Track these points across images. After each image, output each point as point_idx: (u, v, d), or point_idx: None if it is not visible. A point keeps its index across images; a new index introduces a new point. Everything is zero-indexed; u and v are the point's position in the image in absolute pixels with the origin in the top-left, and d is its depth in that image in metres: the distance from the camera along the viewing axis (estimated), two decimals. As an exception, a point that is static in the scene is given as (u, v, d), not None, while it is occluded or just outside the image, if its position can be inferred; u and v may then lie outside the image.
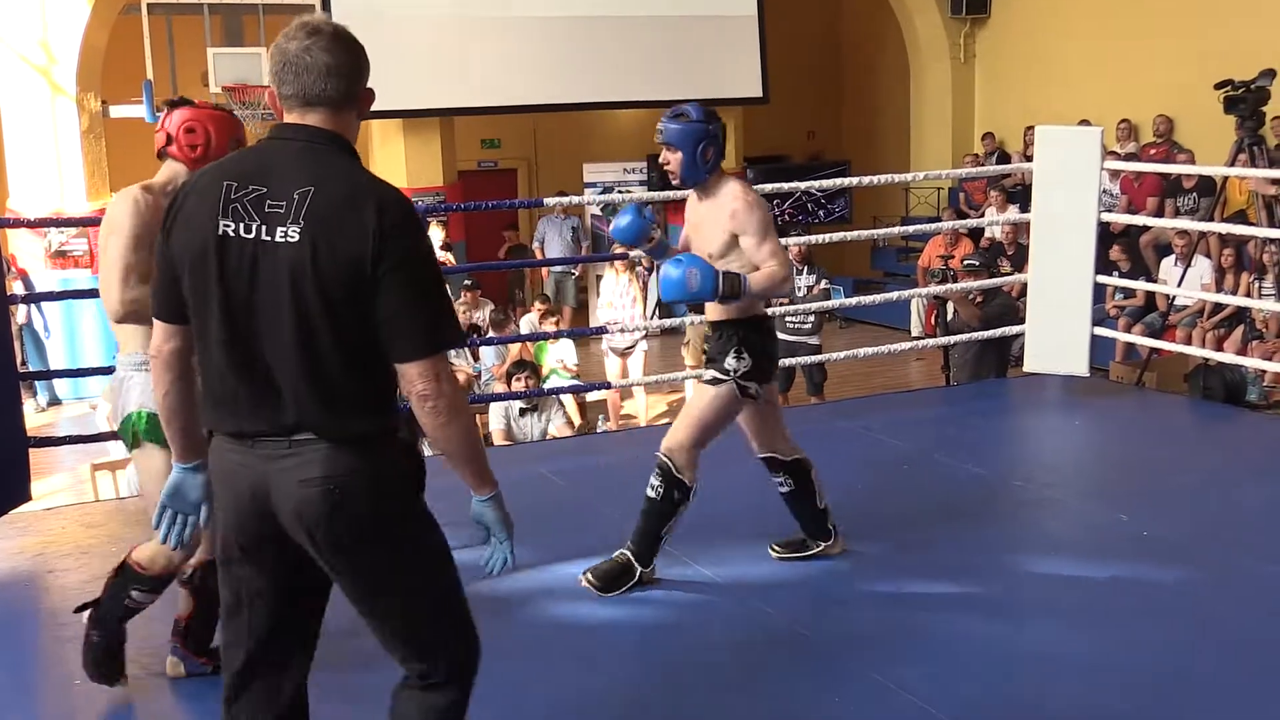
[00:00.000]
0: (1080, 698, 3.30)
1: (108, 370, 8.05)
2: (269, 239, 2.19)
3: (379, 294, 2.20)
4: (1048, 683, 3.40)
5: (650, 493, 3.97)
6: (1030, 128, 11.76)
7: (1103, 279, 7.17)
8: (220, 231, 2.22)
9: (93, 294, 10.98)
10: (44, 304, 11.47)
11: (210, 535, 3.35)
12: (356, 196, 2.21)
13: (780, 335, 8.92)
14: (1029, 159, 7.42)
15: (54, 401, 11.78)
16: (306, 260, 2.18)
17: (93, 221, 11.19)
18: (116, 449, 8.18)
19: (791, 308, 8.61)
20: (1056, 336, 6.79)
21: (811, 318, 9.14)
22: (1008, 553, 4.40)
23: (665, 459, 3.95)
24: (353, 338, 2.22)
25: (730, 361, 3.90)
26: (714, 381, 3.94)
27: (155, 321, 2.39)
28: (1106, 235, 8.89)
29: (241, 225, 2.21)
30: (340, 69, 2.31)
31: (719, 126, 3.89)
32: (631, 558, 4.01)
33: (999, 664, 3.51)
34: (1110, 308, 10.93)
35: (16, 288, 11.05)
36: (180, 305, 2.32)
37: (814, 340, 9.26)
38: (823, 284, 9.35)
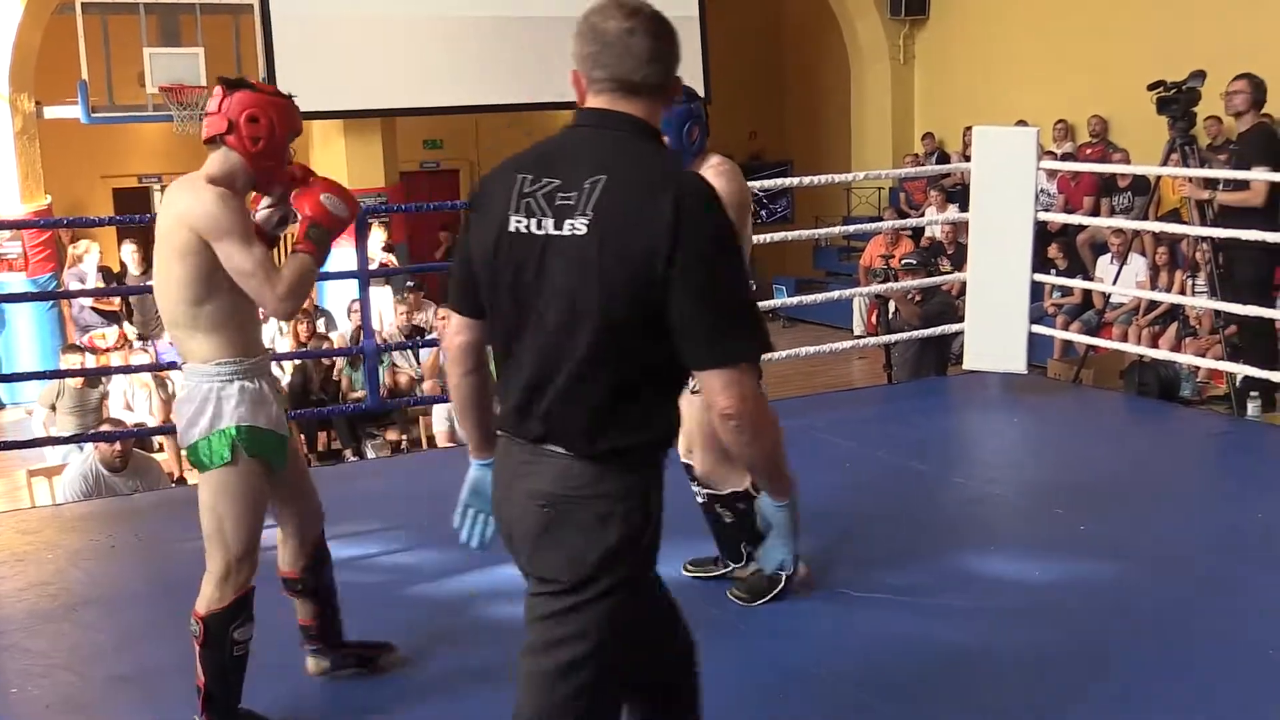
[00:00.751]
0: (1019, 692, 3.35)
1: (46, 375, 7.98)
2: (558, 233, 2.04)
3: (671, 295, 1.99)
4: (986, 677, 3.44)
5: (728, 519, 3.91)
6: (969, 128, 11.90)
7: (1040, 277, 7.26)
8: (511, 228, 2.10)
9: (36, 297, 10.94)
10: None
11: (290, 543, 3.36)
12: (654, 185, 2.02)
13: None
14: (968, 159, 7.50)
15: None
16: (592, 255, 2.01)
17: (27, 224, 11.11)
18: (53, 455, 8.08)
19: None
20: (995, 334, 6.87)
21: None
22: (948, 548, 4.45)
23: (707, 489, 3.87)
24: (631, 344, 2.04)
25: None
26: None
27: (452, 314, 2.29)
28: (1044, 234, 9.01)
29: (533, 221, 2.07)
30: (661, 54, 2.14)
31: (700, 105, 3.76)
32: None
33: (940, 658, 3.54)
34: (1048, 305, 11.08)
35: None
36: (476, 299, 2.20)
37: None
38: (750, 285, 9.37)
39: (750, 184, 7.53)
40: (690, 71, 14.03)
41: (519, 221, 2.09)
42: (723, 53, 14.85)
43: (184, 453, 3.09)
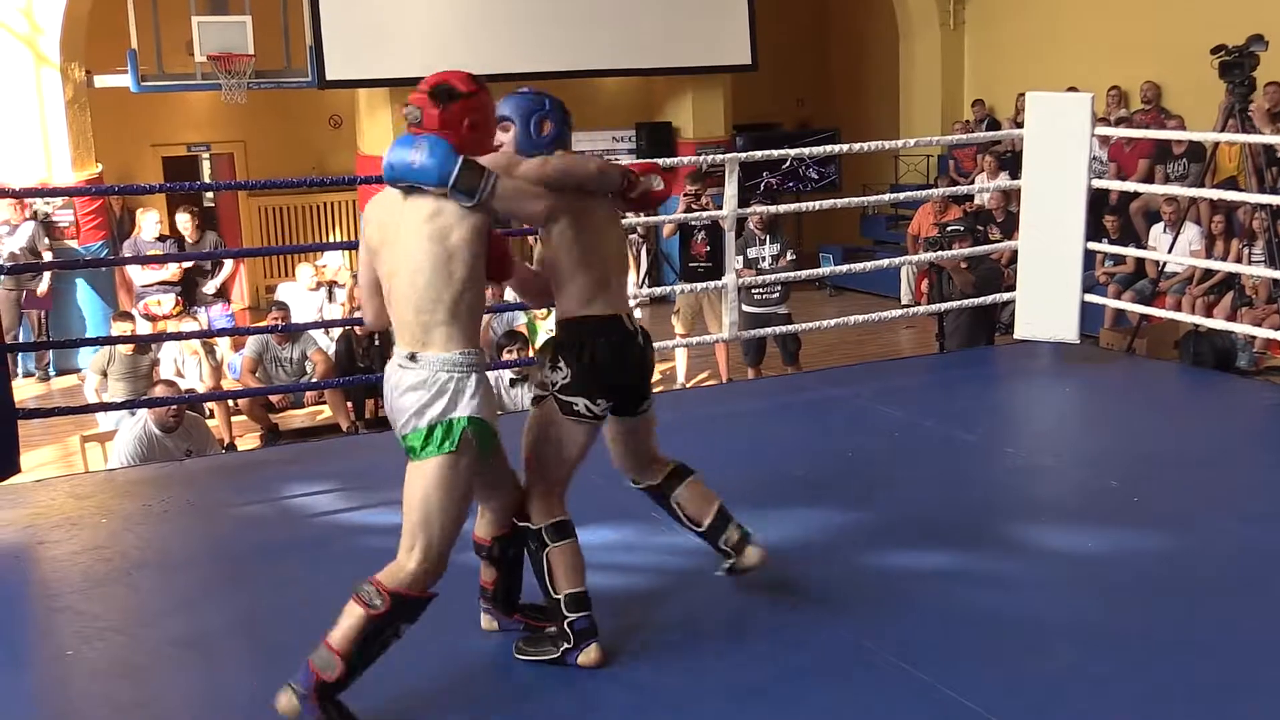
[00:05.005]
0: (1071, 663, 3.31)
1: (97, 341, 8.06)
2: None
3: None
4: (1036, 648, 3.41)
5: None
6: (1021, 95, 11.73)
7: (1093, 246, 7.16)
8: None
9: (91, 264, 11.03)
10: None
11: (489, 516, 3.37)
12: None
13: (746, 308, 8.90)
14: (1019, 126, 7.39)
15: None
16: None
17: (79, 191, 11.22)
18: (105, 421, 8.18)
19: (758, 279, 8.56)
20: (1047, 303, 6.78)
21: (779, 288, 9.10)
22: (998, 519, 4.41)
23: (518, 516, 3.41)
24: None
25: (546, 372, 3.35)
26: (534, 400, 3.44)
27: None
28: (1097, 202, 8.88)
29: None
30: None
31: (557, 104, 3.39)
32: (557, 629, 3.34)
33: (987, 629, 3.52)
34: (1100, 274, 10.94)
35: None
36: None
37: (783, 310, 9.22)
38: (788, 255, 9.28)
39: (798, 150, 7.53)
40: (737, 39, 14.09)
41: None
42: (770, 20, 14.71)
43: (404, 438, 3.03)
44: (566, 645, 3.30)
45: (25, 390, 10.63)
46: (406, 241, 3.04)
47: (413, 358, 3.02)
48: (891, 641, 3.41)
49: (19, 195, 9.61)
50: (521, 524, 3.37)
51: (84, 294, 11.88)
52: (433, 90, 3.11)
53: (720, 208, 6.71)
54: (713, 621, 3.62)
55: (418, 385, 2.99)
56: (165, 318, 10.23)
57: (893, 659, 3.31)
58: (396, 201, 3.10)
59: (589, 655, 3.29)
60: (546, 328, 9.62)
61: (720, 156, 6.72)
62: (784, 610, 3.67)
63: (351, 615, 2.95)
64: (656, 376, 10.49)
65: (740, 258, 8.83)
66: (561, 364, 3.31)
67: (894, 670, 3.27)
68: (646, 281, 11.78)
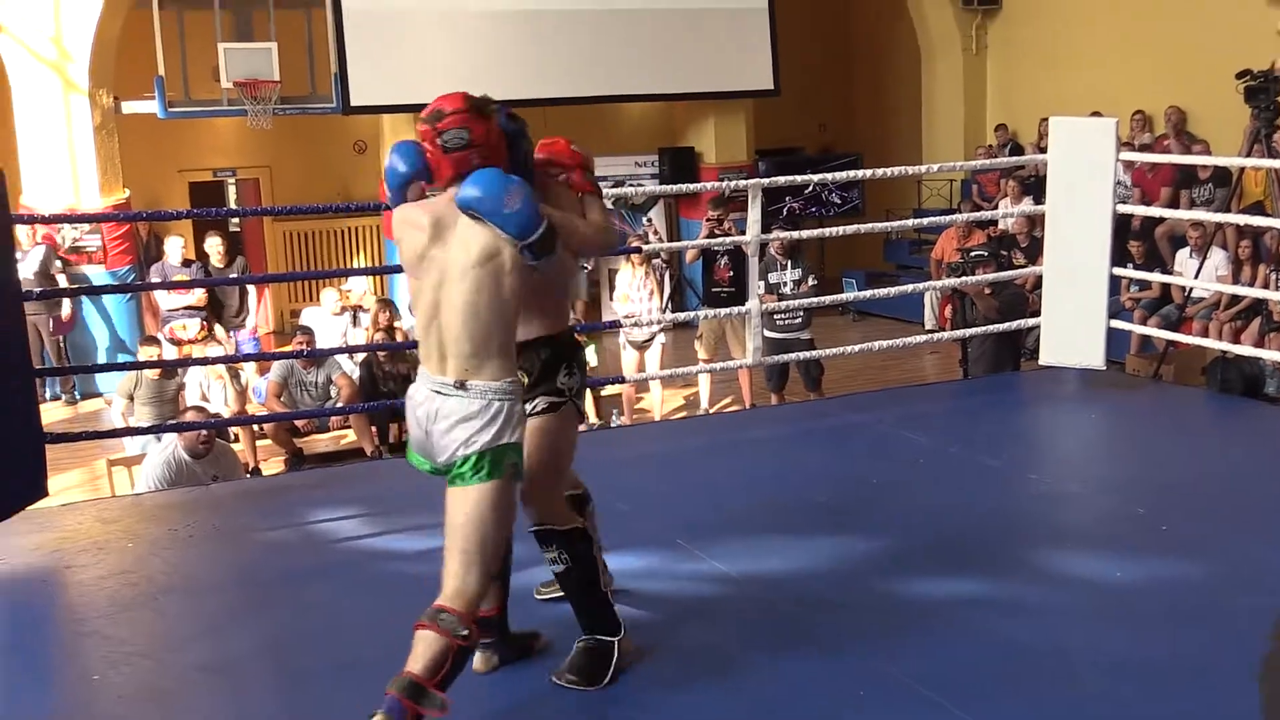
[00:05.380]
0: (1097, 691, 3.29)
1: (124, 366, 8.13)
2: None
3: None
4: (1062, 676, 3.39)
5: (557, 567, 3.41)
6: (1044, 119, 11.71)
7: (1119, 271, 7.14)
8: None
9: (117, 290, 11.11)
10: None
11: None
12: None
13: (769, 334, 8.90)
14: (1043, 150, 7.38)
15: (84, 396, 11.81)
16: None
17: (106, 218, 11.31)
18: (131, 445, 8.22)
19: (780, 304, 8.55)
20: (1072, 329, 6.75)
21: (801, 313, 9.09)
22: (1023, 546, 4.39)
23: (541, 525, 3.38)
24: None
25: (563, 378, 3.39)
26: (550, 408, 3.39)
27: None
28: (1121, 227, 8.85)
29: None
30: None
31: (521, 128, 3.32)
32: (598, 638, 3.41)
33: (1011, 657, 3.49)
34: (1126, 300, 10.89)
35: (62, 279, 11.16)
36: None
37: (805, 335, 9.22)
38: (810, 280, 9.29)
39: (821, 175, 7.53)
40: (760, 65, 14.12)
41: None
42: (793, 44, 14.76)
43: (453, 466, 3.03)
44: (619, 635, 3.39)
45: (51, 414, 10.70)
46: (464, 277, 3.02)
47: (462, 386, 3.02)
48: (915, 668, 3.39)
49: (48, 221, 9.70)
50: (567, 527, 3.37)
51: (107, 318, 11.96)
52: (474, 103, 3.13)
53: (743, 232, 6.71)
54: (736, 647, 3.61)
55: (471, 415, 3.01)
56: (190, 342, 10.30)
57: (916, 686, 3.29)
58: (447, 223, 3.07)
59: (628, 641, 3.43)
60: None
61: (743, 182, 6.74)
62: (807, 637, 3.65)
63: (435, 645, 2.93)
64: (680, 401, 10.56)
65: (762, 283, 8.83)
66: (575, 370, 3.42)
67: (917, 698, 3.25)
68: (669, 306, 11.78)
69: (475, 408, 3.01)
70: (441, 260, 3.07)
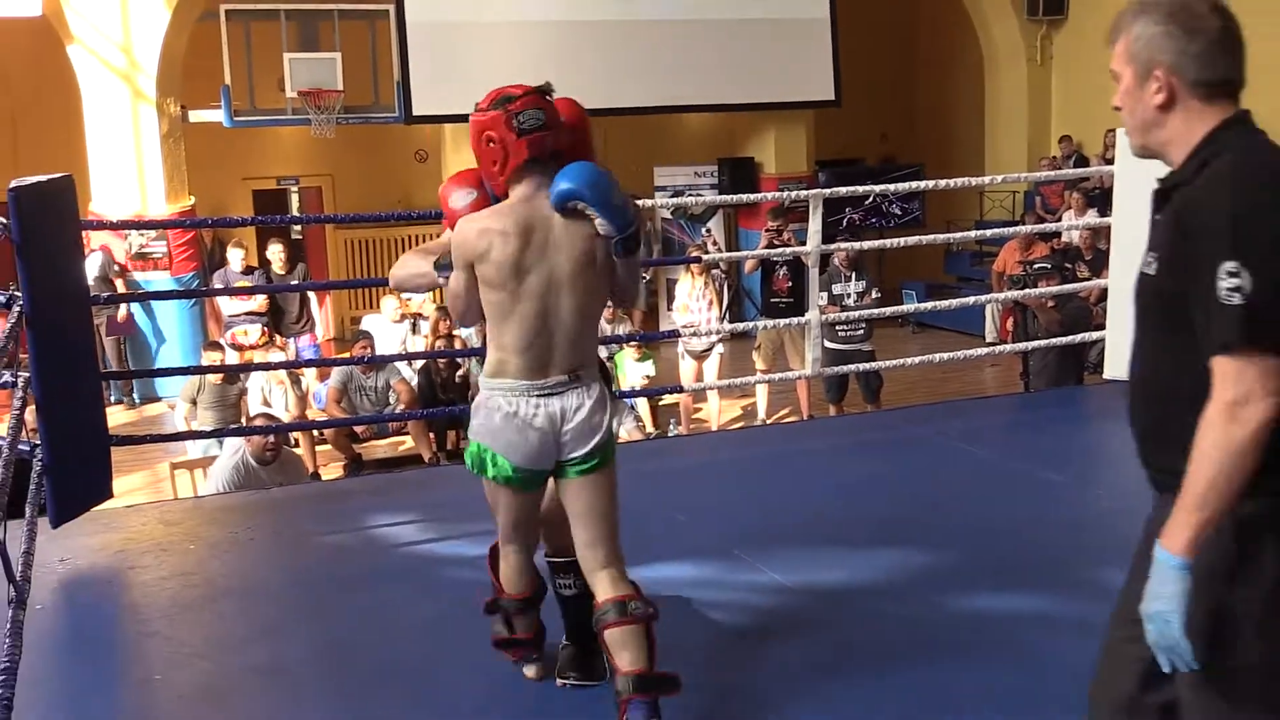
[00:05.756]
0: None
1: (186, 370, 8.25)
2: None
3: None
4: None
5: (569, 592, 3.38)
6: (1111, 130, 11.56)
7: (1185, 284, 7.01)
8: None
9: (181, 295, 11.29)
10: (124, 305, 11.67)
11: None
12: None
13: (830, 345, 8.84)
14: (1109, 162, 7.29)
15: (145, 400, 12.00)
16: None
17: (172, 224, 11.49)
18: (193, 448, 8.33)
19: (842, 315, 8.51)
20: (1137, 343, 6.64)
21: (863, 325, 9.03)
22: (1086, 563, 4.31)
23: (560, 556, 3.35)
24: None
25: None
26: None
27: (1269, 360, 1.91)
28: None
29: None
30: None
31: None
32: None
33: (1071, 675, 3.42)
34: (1191, 314, 10.71)
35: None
36: None
37: (867, 347, 9.16)
38: (874, 293, 9.22)
39: (881, 187, 7.52)
40: (821, 74, 14.06)
41: None
42: (854, 54, 14.69)
43: (589, 457, 3.05)
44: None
45: (113, 417, 10.87)
46: (575, 282, 3.01)
47: (577, 377, 3.04)
48: (974, 686, 3.34)
49: (116, 227, 9.87)
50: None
51: (170, 324, 12.14)
52: (539, 88, 3.08)
53: (803, 243, 6.68)
54: (793, 660, 3.58)
55: (600, 402, 3.07)
56: (252, 347, 10.43)
57: (977, 703, 3.25)
58: (537, 225, 2.99)
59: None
60: (638, 372, 9.66)
61: (804, 192, 6.71)
62: (863, 651, 3.62)
63: (638, 635, 3.00)
64: (737, 411, 10.53)
65: (824, 294, 8.79)
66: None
67: (976, 716, 3.20)
68: (728, 317, 11.76)
69: (596, 394, 3.06)
70: (544, 266, 2.98)
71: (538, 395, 3.01)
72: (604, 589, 3.06)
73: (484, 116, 3.03)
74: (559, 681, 3.37)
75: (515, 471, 3.05)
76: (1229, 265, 1.89)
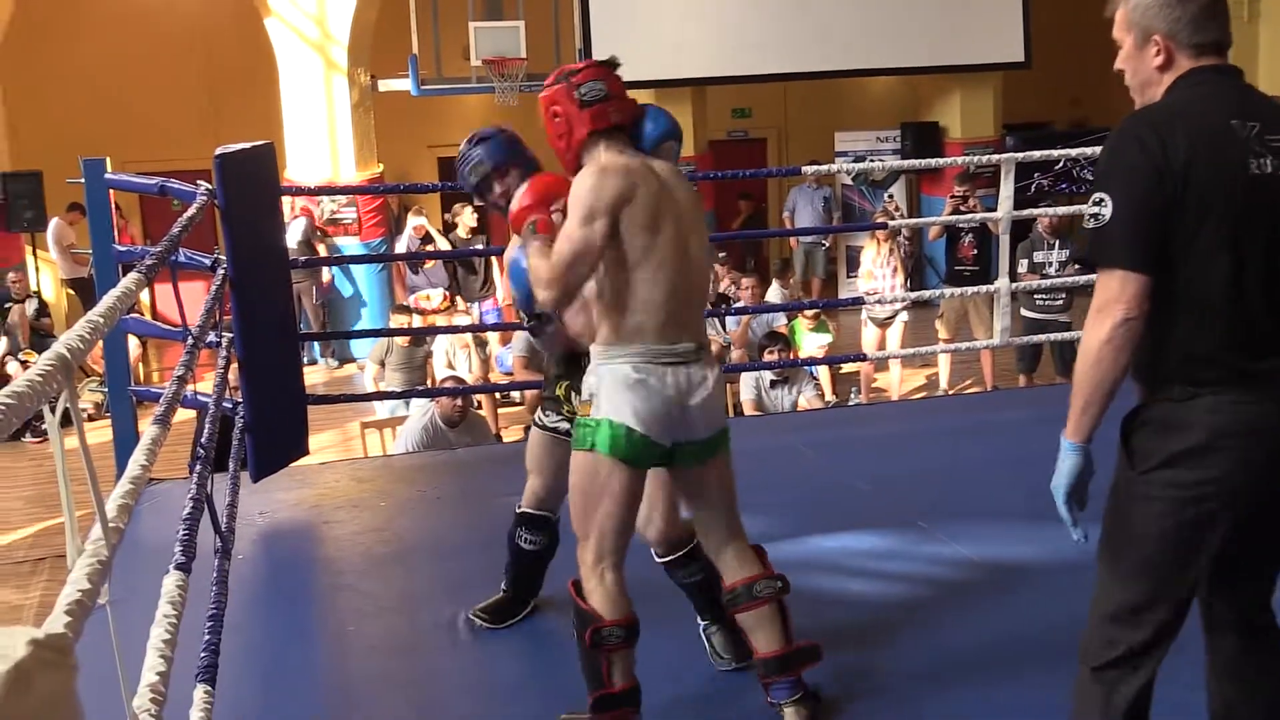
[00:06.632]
0: None
1: (375, 333, 8.51)
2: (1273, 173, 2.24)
3: None
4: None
5: (696, 578, 3.33)
6: (1322, 90, 10.93)
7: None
8: (1254, 171, 2.22)
9: (372, 259, 11.63)
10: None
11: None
12: None
13: (1027, 313, 8.57)
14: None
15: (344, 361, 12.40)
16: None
17: (363, 190, 11.83)
18: (381, 408, 8.59)
19: (1043, 283, 8.23)
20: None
21: (1063, 294, 8.71)
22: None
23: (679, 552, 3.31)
24: None
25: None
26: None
27: (1130, 275, 2.21)
28: None
29: (1264, 162, 2.23)
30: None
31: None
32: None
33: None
34: None
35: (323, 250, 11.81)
36: (1159, 254, 2.21)
37: (1064, 318, 8.84)
38: (1076, 263, 8.88)
39: (1078, 150, 7.24)
40: (1010, 35, 13.62)
41: (1257, 165, 2.22)
42: (1045, 13, 14.18)
43: (717, 434, 2.96)
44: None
45: (310, 376, 11.28)
46: (698, 224, 2.95)
47: (703, 347, 2.90)
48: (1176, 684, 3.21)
49: (310, 193, 10.20)
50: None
51: (363, 288, 12.52)
52: (604, 62, 3.02)
53: (990, 209, 6.49)
54: (983, 633, 3.50)
55: (720, 380, 2.97)
56: (435, 311, 10.68)
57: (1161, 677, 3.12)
58: (658, 181, 2.88)
59: None
60: (814, 342, 9.57)
61: (993, 156, 6.50)
62: (1053, 628, 3.50)
63: (774, 614, 2.98)
64: (920, 380, 10.34)
65: (1025, 261, 8.54)
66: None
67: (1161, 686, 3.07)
68: (909, 284, 11.54)
69: (716, 371, 2.93)
70: (674, 211, 2.86)
71: (669, 363, 2.83)
72: (731, 571, 2.99)
73: (549, 91, 2.97)
74: (718, 666, 3.32)
75: (646, 447, 2.82)
76: (1095, 195, 2.25)
